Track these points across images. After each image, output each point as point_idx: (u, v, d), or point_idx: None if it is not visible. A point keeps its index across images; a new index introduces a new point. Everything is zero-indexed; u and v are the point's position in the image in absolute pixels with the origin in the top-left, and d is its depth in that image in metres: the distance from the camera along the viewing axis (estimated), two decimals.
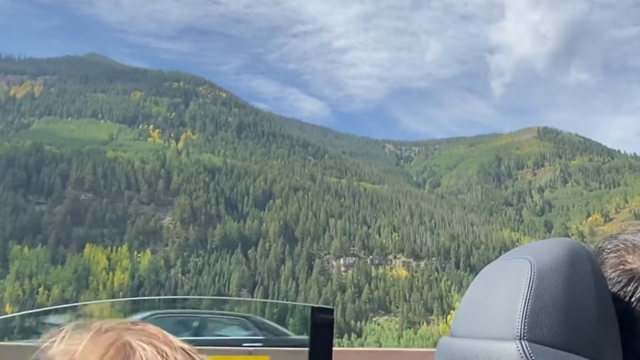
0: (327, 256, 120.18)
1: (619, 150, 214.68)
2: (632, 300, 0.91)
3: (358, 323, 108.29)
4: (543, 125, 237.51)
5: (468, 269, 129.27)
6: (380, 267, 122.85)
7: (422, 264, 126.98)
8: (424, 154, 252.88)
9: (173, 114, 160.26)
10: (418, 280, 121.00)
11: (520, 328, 0.78)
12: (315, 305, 2.17)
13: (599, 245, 1.02)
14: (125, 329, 0.70)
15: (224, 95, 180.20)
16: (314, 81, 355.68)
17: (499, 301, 0.84)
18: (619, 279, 0.94)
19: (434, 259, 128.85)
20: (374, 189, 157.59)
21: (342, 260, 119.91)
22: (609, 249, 1.00)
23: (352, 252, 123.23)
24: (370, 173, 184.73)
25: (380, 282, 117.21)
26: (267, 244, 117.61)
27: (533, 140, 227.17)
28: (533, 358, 0.75)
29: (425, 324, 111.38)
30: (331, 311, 2.26)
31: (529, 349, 0.76)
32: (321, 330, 2.13)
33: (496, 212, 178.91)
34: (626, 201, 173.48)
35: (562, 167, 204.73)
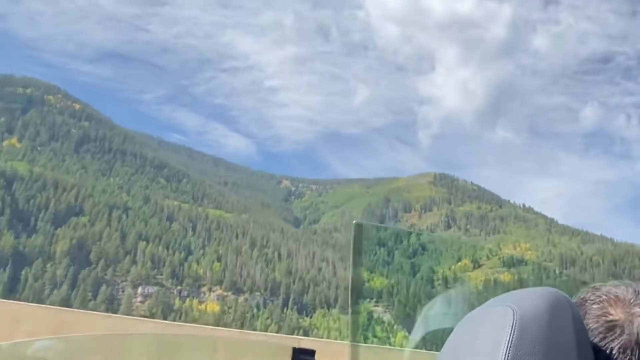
0: (124, 283, 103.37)
1: (508, 201, 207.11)
2: (614, 352, 0.91)
3: None
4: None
5: (296, 307, 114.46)
6: (188, 299, 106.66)
7: (242, 298, 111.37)
8: (318, 192, 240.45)
9: (1, 119, 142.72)
10: (231, 317, 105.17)
11: None
12: (296, 347, 2.21)
13: (582, 296, 1.02)
14: None
15: (77, 106, 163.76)
16: (241, 118, 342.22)
17: (481, 348, 0.83)
18: (601, 330, 0.93)
19: (257, 294, 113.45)
20: (222, 216, 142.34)
21: (140, 289, 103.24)
22: (592, 300, 0.99)
23: (157, 280, 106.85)
24: (235, 202, 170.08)
25: (182, 315, 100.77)
26: (49, 265, 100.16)
27: (427, 185, 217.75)
28: None
29: None
30: (312, 352, 2.24)
31: None
32: None
33: (366, 252, 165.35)
34: (499, 248, 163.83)
35: (447, 212, 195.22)
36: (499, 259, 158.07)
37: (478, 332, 0.87)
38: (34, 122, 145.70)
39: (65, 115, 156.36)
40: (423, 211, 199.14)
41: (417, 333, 3.12)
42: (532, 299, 0.86)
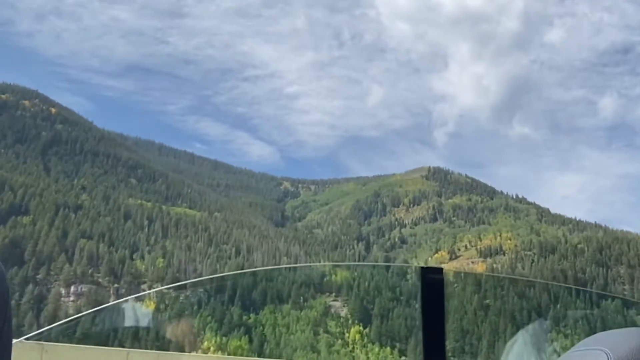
0: (57, 282, 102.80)
1: (501, 192, 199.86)
2: None
3: None
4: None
5: (240, 302, 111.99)
6: (124, 297, 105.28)
7: (182, 295, 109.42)
8: (315, 191, 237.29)
9: None
10: (167, 315, 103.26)
11: None
12: (424, 266, 2.27)
13: None
14: None
15: (54, 110, 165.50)
16: (264, 126, 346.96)
17: None
18: None
19: (200, 289, 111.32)
20: (185, 213, 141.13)
21: (72, 288, 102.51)
22: None
23: (93, 278, 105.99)
24: (214, 202, 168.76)
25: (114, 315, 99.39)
26: None
27: (419, 179, 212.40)
28: None
29: None
30: (440, 270, 2.31)
31: None
32: (432, 291, 2.08)
33: (342, 247, 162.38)
34: (479, 239, 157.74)
35: (435, 204, 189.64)
36: (477, 249, 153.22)
37: None
38: (3, 125, 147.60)
39: (37, 119, 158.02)
40: (412, 205, 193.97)
41: None
42: (626, 340, 0.82)
